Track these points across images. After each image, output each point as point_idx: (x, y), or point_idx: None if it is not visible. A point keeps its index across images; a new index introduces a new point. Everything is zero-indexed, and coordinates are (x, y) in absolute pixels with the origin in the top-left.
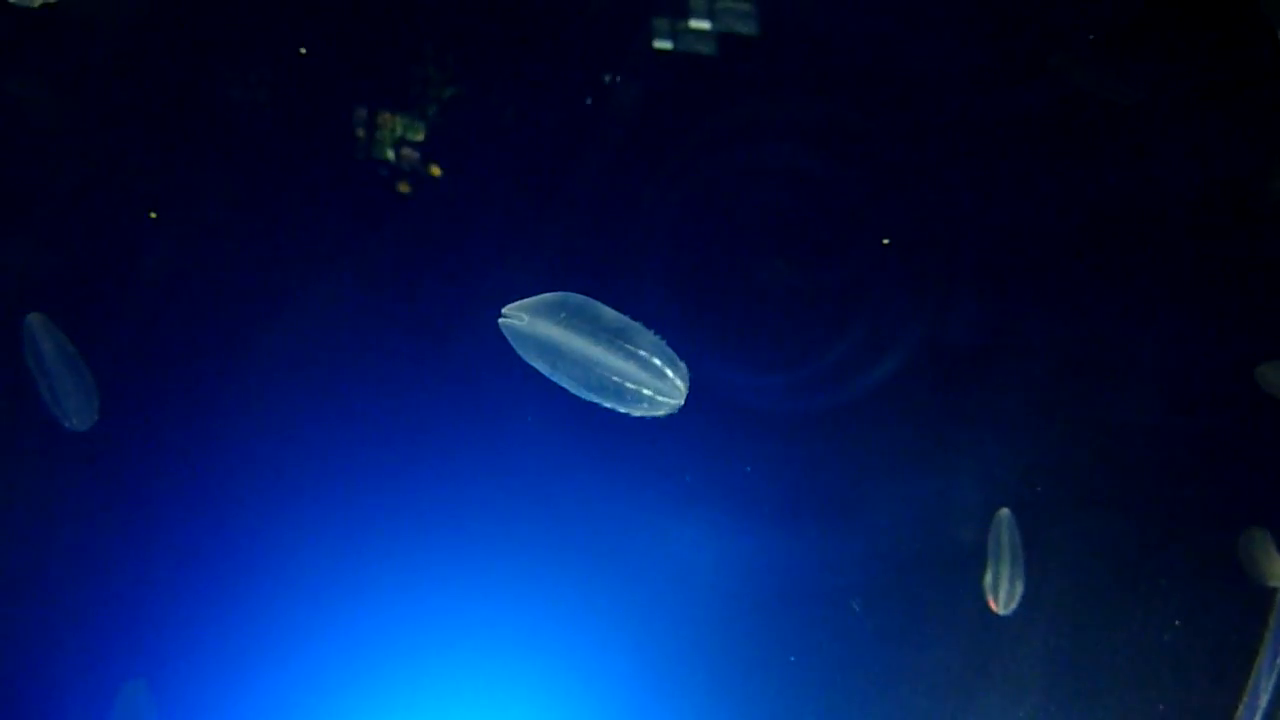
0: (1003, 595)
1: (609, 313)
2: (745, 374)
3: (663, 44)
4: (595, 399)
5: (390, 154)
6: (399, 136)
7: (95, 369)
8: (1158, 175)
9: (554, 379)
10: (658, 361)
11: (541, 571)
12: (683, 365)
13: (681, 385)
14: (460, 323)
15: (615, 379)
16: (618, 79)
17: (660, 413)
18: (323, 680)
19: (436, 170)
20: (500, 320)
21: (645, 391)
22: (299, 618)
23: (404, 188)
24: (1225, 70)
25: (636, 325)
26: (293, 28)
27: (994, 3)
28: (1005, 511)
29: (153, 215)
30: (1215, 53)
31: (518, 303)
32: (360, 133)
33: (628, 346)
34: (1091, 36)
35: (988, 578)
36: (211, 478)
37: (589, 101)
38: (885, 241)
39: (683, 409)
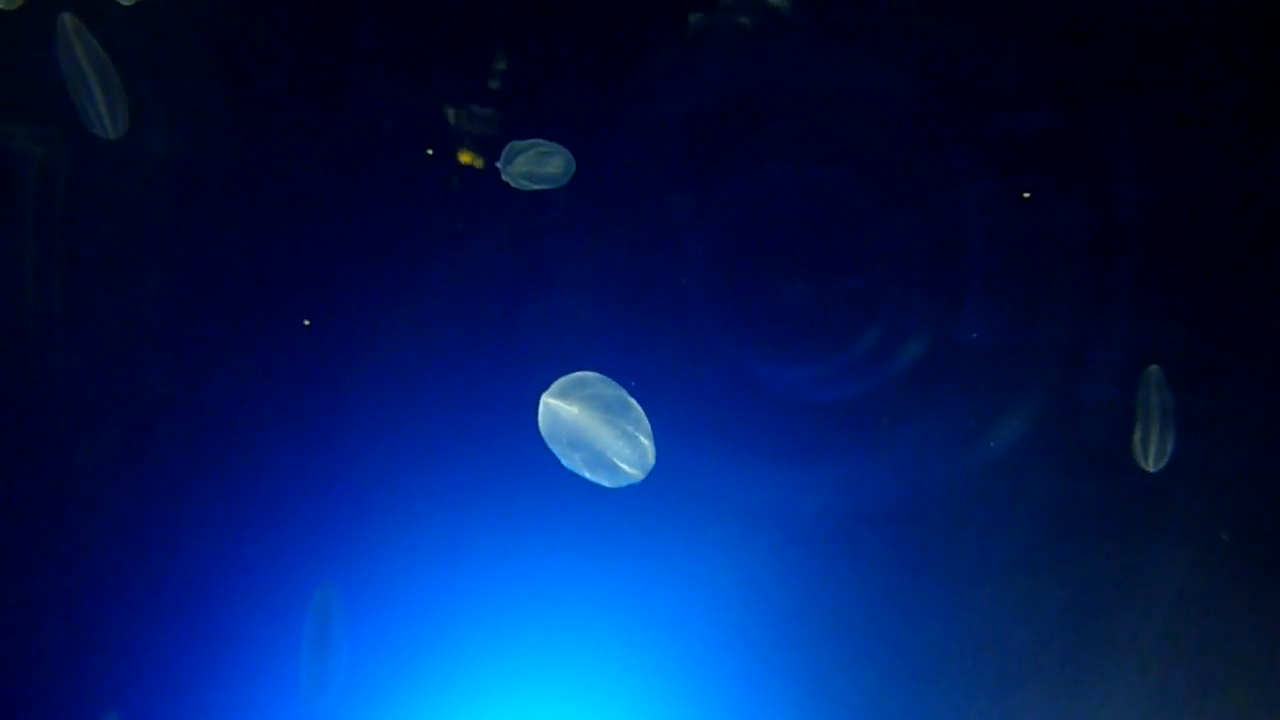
0: (1153, 453)
1: (612, 390)
2: (781, 369)
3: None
4: (597, 479)
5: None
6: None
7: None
8: (1166, 184)
9: (567, 463)
10: (645, 441)
11: (622, 530)
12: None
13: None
14: (523, 320)
15: (613, 459)
16: (650, 95)
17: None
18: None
19: (477, 162)
20: (542, 408)
21: (632, 471)
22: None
23: (453, 181)
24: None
25: (632, 403)
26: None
27: (1010, 26)
28: (1155, 368)
29: (306, 323)
30: None
31: (556, 389)
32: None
33: (628, 427)
34: None
35: (1137, 435)
36: None
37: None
38: (1025, 195)
39: (729, 399)
